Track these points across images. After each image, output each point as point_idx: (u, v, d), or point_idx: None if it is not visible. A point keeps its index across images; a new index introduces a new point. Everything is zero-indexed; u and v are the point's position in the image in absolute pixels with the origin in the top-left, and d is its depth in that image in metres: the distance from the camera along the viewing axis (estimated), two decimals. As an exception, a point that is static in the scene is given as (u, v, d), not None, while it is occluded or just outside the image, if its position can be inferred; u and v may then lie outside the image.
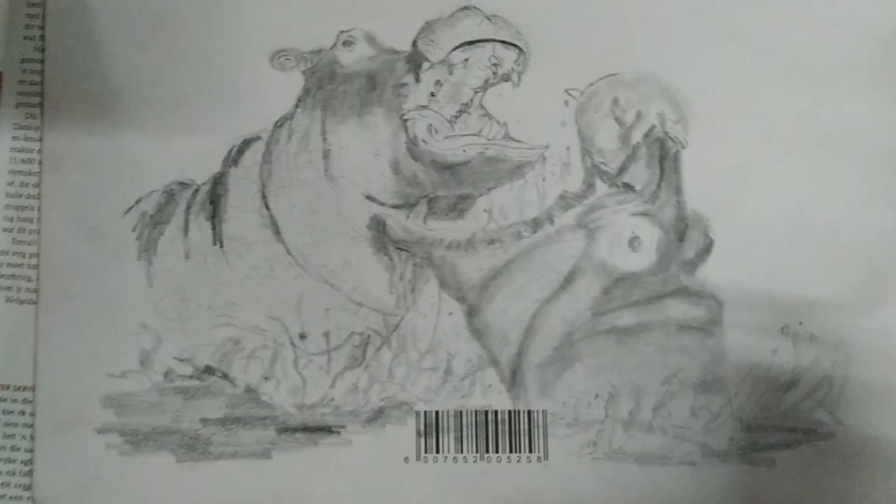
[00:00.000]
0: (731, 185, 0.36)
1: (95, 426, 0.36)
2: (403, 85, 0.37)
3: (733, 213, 0.36)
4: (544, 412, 0.36)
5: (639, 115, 0.37)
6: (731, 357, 0.36)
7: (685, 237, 0.36)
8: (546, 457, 0.36)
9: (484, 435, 0.36)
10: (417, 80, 0.37)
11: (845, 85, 0.37)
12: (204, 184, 0.37)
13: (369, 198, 0.37)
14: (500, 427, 0.36)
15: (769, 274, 0.36)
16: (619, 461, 0.35)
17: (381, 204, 0.37)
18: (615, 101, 0.37)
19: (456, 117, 0.37)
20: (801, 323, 0.36)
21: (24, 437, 0.36)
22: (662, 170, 0.37)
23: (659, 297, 0.36)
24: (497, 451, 0.36)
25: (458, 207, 0.37)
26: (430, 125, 0.37)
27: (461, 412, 0.36)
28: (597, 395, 0.36)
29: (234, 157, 0.37)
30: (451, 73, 0.37)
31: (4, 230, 0.37)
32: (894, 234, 0.36)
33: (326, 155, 0.37)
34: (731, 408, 0.35)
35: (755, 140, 0.37)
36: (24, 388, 0.36)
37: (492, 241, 0.37)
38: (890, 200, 0.36)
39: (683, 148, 0.37)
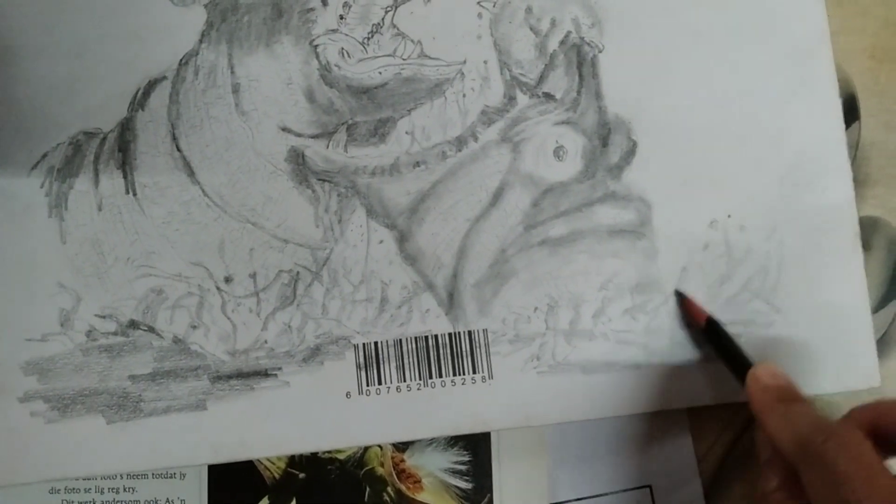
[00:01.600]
0: (650, 86, 0.35)
1: (18, 395, 0.34)
2: (310, 10, 0.35)
3: (654, 114, 0.35)
4: (485, 331, 0.35)
5: (553, 23, 0.36)
6: (664, 257, 0.35)
7: (609, 142, 0.35)
8: (491, 376, 0.34)
9: (426, 361, 0.34)
10: (325, 3, 0.35)
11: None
12: (111, 131, 0.35)
13: (285, 129, 0.35)
14: (441, 351, 0.34)
15: (694, 170, 0.35)
16: (565, 372, 0.34)
17: (298, 135, 0.35)
18: (529, 10, 0.35)
19: (368, 39, 0.35)
20: (729, 216, 0.35)
21: (-62, 410, 0.34)
22: (581, 76, 0.36)
23: (588, 204, 0.35)
24: (441, 376, 0.34)
25: (379, 132, 0.35)
26: (342, 49, 0.35)
27: (400, 341, 0.35)
28: (536, 309, 0.35)
29: (140, 100, 0.35)
30: (358, -5, 0.36)
31: None
32: (817, 118, 0.36)
33: (236, 89, 0.35)
34: (668, 307, 0.35)
35: (671, 37, 0.36)
36: (-64, 360, 0.34)
37: (417, 164, 0.35)
38: (810, 85, 0.36)
39: (600, 52, 0.35)
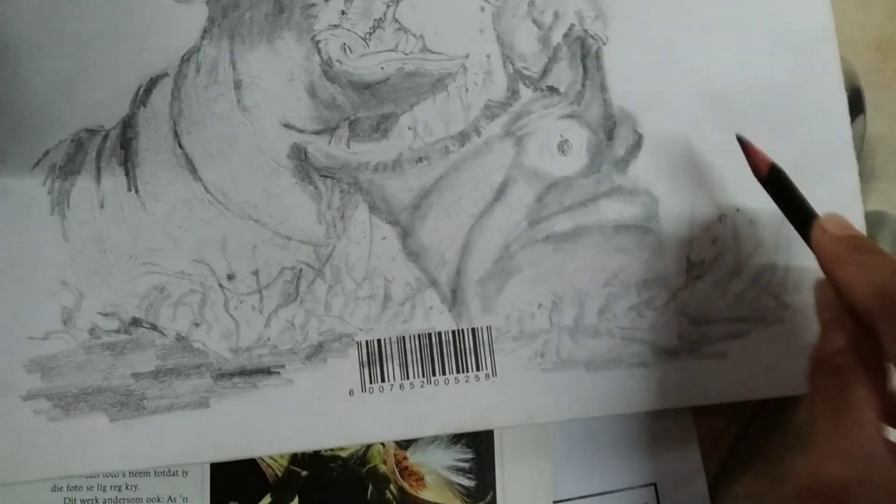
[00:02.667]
0: (655, 78, 0.35)
1: (21, 393, 0.33)
2: (312, 5, 0.35)
3: (660, 106, 0.35)
4: (489, 328, 0.34)
5: (556, 16, 0.35)
6: (671, 252, 0.34)
7: (614, 135, 0.35)
8: (494, 373, 0.34)
9: (429, 358, 0.34)
10: (326, -2, 0.35)
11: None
12: (113, 128, 0.35)
13: (287, 126, 0.35)
14: (445, 348, 0.34)
15: (702, 163, 0.35)
16: (569, 369, 0.34)
17: (301, 131, 0.35)
18: (531, 3, 0.35)
19: (370, 34, 0.35)
20: (738, 210, 0.35)
21: (-57, 410, 0.34)
22: (585, 69, 0.35)
23: (593, 198, 0.35)
24: (444, 373, 0.34)
25: (382, 127, 0.35)
26: (344, 44, 0.35)
27: (404, 338, 0.34)
28: (540, 305, 0.34)
29: (142, 97, 0.35)
30: (360, -11, 0.36)
31: None
32: (822, 111, 0.35)
33: (238, 85, 0.35)
34: (676, 303, 0.34)
35: (676, 28, 0.35)
36: (-60, 359, 0.34)
37: (419, 160, 0.35)
38: (815, 78, 0.35)
39: (604, 44, 0.35)
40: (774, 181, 0.32)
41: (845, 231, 0.28)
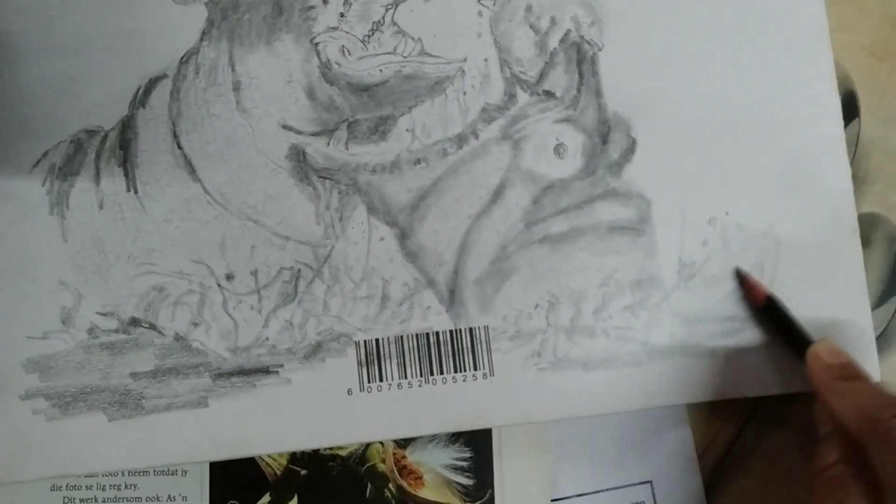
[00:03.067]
0: (650, 83, 0.35)
1: (19, 392, 0.33)
2: (311, 7, 0.35)
3: (654, 111, 0.35)
4: (486, 328, 0.35)
5: (553, 21, 0.35)
6: (664, 253, 0.35)
7: (609, 139, 0.35)
8: (492, 373, 0.34)
9: (427, 358, 0.34)
10: (325, 1, 0.35)
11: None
12: (112, 129, 0.35)
13: (286, 127, 0.35)
14: (442, 348, 0.34)
15: (694, 167, 0.35)
16: (565, 369, 0.34)
17: (299, 132, 0.35)
18: (528, 8, 0.35)
19: (368, 37, 0.35)
20: (727, 213, 0.35)
21: (-60, 409, 0.34)
22: (581, 74, 0.36)
23: (588, 201, 0.35)
24: (442, 373, 0.34)
25: (380, 129, 0.35)
26: (343, 47, 0.35)
27: (402, 337, 0.34)
28: (537, 305, 0.35)
29: (141, 98, 0.35)
30: (359, -8, 0.36)
31: None
32: (816, 115, 0.36)
33: (237, 87, 0.35)
34: (668, 303, 0.35)
35: (670, 35, 0.36)
36: (-62, 358, 0.34)
37: (417, 161, 0.35)
38: (810, 82, 0.36)
39: (600, 50, 0.35)
40: (772, 310, 0.34)
41: (836, 359, 0.31)
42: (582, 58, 0.36)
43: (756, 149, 0.35)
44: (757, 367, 0.35)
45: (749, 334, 0.35)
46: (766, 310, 0.34)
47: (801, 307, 0.35)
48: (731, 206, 0.35)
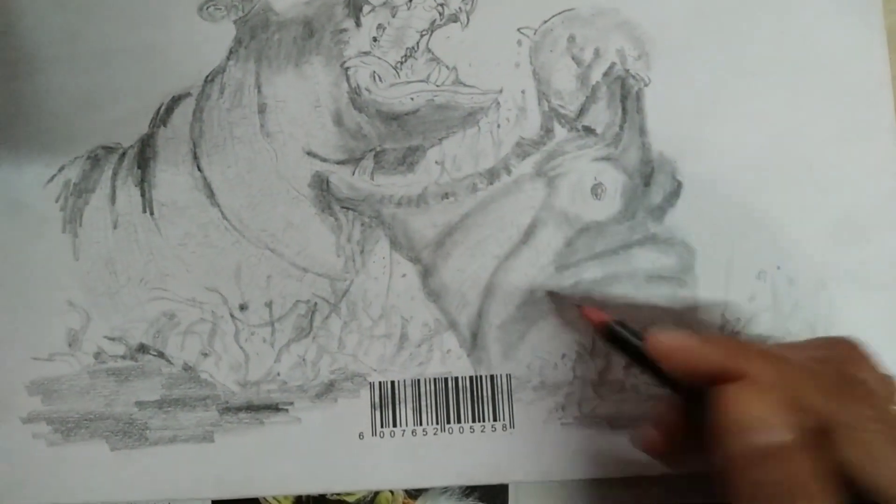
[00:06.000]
0: (698, 124, 0.33)
1: (21, 415, 0.32)
2: (343, 31, 0.34)
3: (701, 154, 0.33)
4: (508, 376, 0.33)
5: (597, 53, 0.33)
6: (706, 307, 0.32)
7: (651, 181, 0.33)
8: (512, 424, 0.32)
9: (444, 404, 0.32)
10: (358, 24, 0.34)
11: (815, 11, 0.34)
12: (131, 147, 0.33)
13: (310, 154, 0.34)
14: (461, 395, 0.32)
15: (742, 217, 0.33)
16: (591, 425, 0.32)
17: (324, 160, 0.33)
18: (571, 39, 0.33)
19: (401, 63, 0.34)
20: (778, 268, 0.33)
21: (-62, 429, 0.32)
22: (624, 110, 0.33)
23: (626, 246, 0.33)
24: (459, 422, 0.32)
25: (408, 160, 0.34)
26: (374, 73, 0.34)
27: (419, 381, 0.33)
28: (563, 356, 0.32)
29: (163, 116, 0.34)
30: (394, 16, 0.34)
31: None
32: (873, 167, 0.33)
33: (262, 109, 0.34)
34: (708, 362, 0.33)
35: (721, 74, 0.33)
36: (-62, 376, 0.32)
37: (445, 196, 0.33)
38: (865, 132, 0.33)
39: (646, 86, 0.33)
40: (612, 335, 0.29)
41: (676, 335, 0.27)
42: (626, 93, 0.33)
43: (809, 198, 0.33)
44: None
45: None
46: (606, 336, 0.29)
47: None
48: (782, 259, 0.33)
